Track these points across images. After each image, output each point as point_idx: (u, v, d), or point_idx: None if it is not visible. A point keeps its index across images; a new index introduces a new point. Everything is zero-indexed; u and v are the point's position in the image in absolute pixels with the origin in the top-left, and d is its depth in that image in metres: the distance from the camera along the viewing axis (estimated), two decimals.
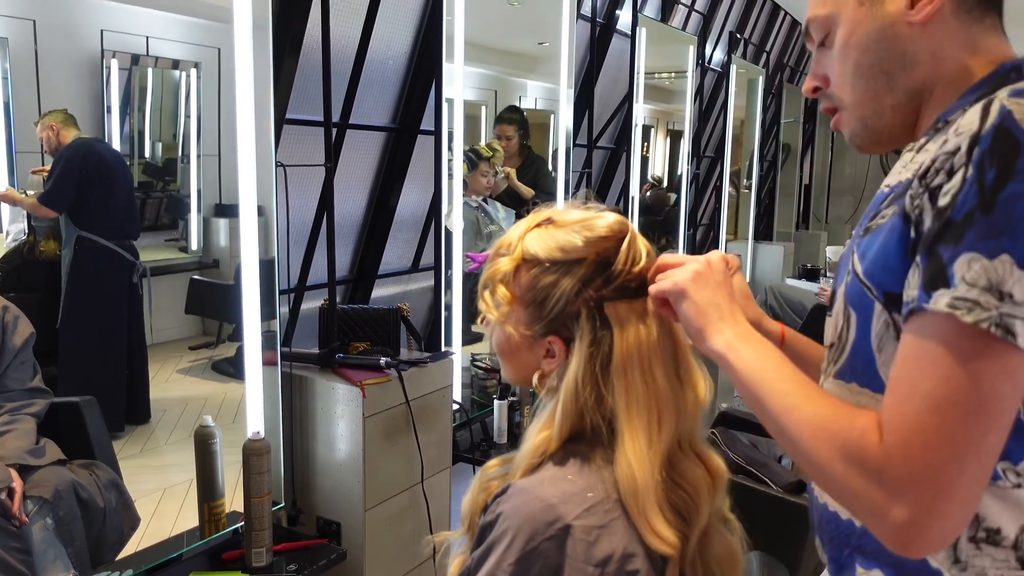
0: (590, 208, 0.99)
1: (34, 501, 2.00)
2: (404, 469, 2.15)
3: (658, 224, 5.53)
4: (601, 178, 4.16)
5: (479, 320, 1.02)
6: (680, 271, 0.90)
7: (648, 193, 6.66)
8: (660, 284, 0.90)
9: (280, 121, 2.27)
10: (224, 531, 1.95)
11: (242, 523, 1.92)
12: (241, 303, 1.94)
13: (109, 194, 3.49)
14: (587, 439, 0.95)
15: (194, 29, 4.21)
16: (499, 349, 1.02)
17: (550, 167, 3.96)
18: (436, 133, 2.38)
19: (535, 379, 0.99)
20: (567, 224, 0.96)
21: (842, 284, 0.83)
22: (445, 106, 2.41)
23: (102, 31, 4.34)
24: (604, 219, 0.96)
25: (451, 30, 2.46)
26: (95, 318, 3.46)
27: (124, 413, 3.61)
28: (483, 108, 5.56)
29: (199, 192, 4.85)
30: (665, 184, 6.22)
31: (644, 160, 7.23)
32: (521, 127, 3.80)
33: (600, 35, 3.56)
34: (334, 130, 2.45)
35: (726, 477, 0.99)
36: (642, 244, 0.97)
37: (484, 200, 3.75)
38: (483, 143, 3.88)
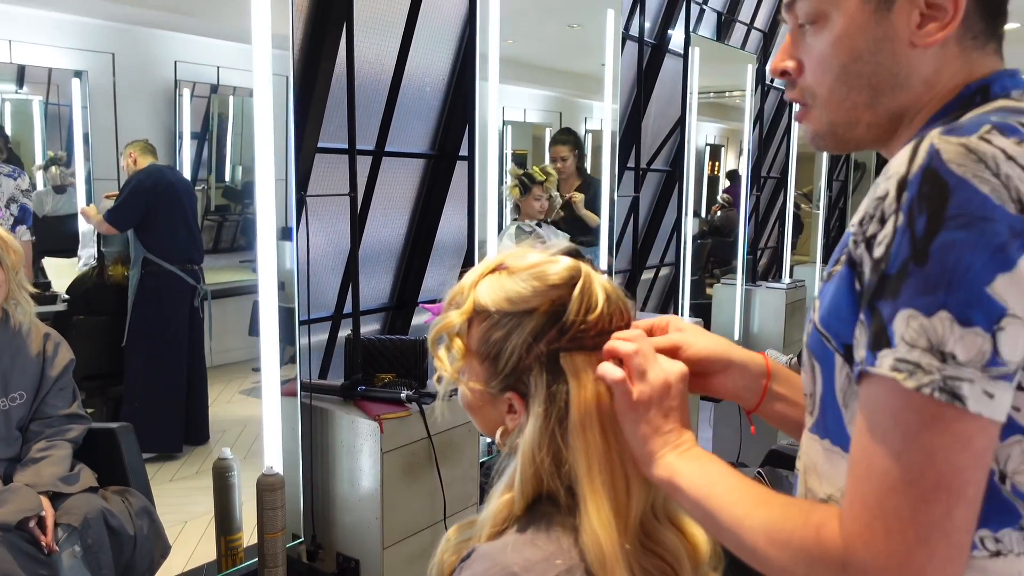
0: (549, 249, 0.91)
1: (64, 528, 2.03)
2: (426, 506, 2.09)
3: (728, 245, 5.37)
4: (656, 202, 4.04)
5: (434, 378, 0.95)
6: (645, 385, 0.81)
7: (719, 214, 6.48)
8: (618, 395, 0.82)
9: (312, 150, 2.27)
10: (240, 566, 1.94)
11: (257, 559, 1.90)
12: (259, 335, 1.92)
13: (174, 219, 3.59)
14: (554, 501, 0.88)
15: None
16: (463, 404, 0.96)
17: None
18: (470, 159, 2.34)
19: (498, 436, 0.92)
20: (518, 271, 0.89)
21: (805, 333, 0.76)
22: (480, 130, 2.37)
23: (176, 62, 4.54)
24: (557, 265, 0.88)
25: (485, 48, 2.42)
26: (158, 339, 3.59)
27: (183, 434, 3.71)
28: (547, 130, 5.55)
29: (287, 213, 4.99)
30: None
31: (714, 180, 7.08)
32: (575, 148, 3.74)
33: (651, 56, 3.46)
34: (369, 158, 2.44)
35: (709, 549, 0.89)
36: (599, 289, 0.88)
37: (538, 224, 3.70)
38: (536, 167, 3.84)
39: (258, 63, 1.90)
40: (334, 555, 2.10)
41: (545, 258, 0.89)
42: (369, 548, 2.03)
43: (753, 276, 4.70)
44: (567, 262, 0.88)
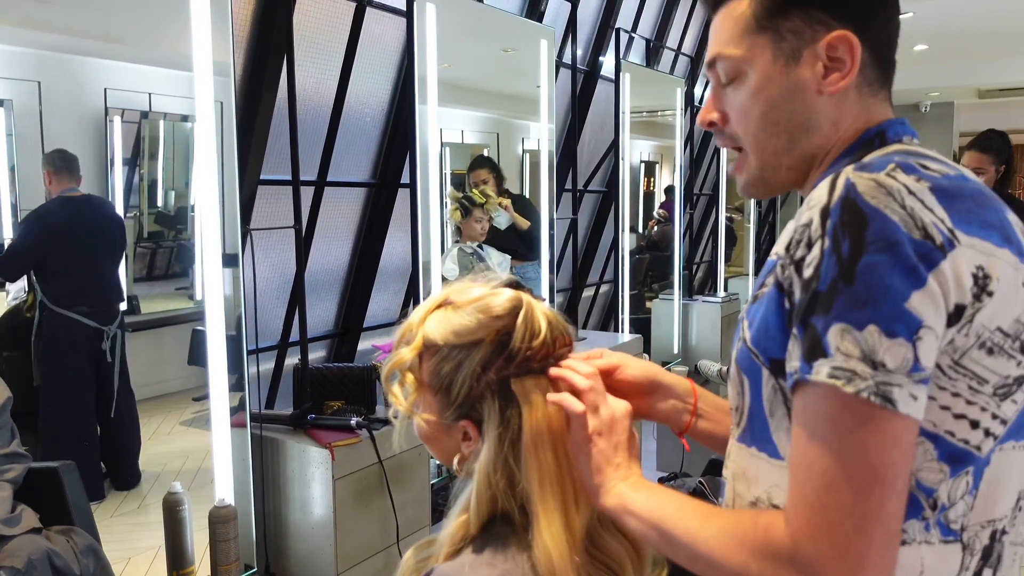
0: (491, 282, 0.97)
1: (7, 572, 1.98)
2: (379, 531, 2.11)
3: (666, 259, 5.50)
4: (594, 222, 4.13)
5: (389, 413, 0.98)
6: (597, 419, 0.88)
7: (655, 229, 6.63)
8: (576, 426, 0.88)
9: (255, 182, 2.28)
10: None
11: None
12: (203, 364, 1.92)
13: (73, 261, 3.28)
14: (508, 521, 0.92)
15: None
16: (419, 435, 1.00)
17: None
18: (411, 183, 2.37)
19: (455, 463, 0.96)
20: (463, 305, 0.93)
21: (735, 351, 0.83)
22: (421, 153, 2.41)
23: (105, 90, 4.45)
24: (500, 297, 0.93)
25: (424, 71, 2.45)
26: (60, 384, 3.29)
27: (102, 480, 3.46)
28: (485, 151, 5.61)
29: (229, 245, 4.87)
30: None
31: (650, 196, 7.24)
32: (493, 170, 3.87)
33: (584, 82, 3.56)
34: (312, 189, 2.45)
35: (652, 552, 0.95)
36: (540, 316, 0.94)
37: (479, 246, 3.76)
38: (475, 189, 3.91)
39: (200, 90, 1.91)
40: None
41: (488, 291, 0.93)
42: (323, 574, 2.03)
43: (690, 291, 4.82)
44: (509, 293, 0.93)
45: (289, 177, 2.25)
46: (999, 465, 0.72)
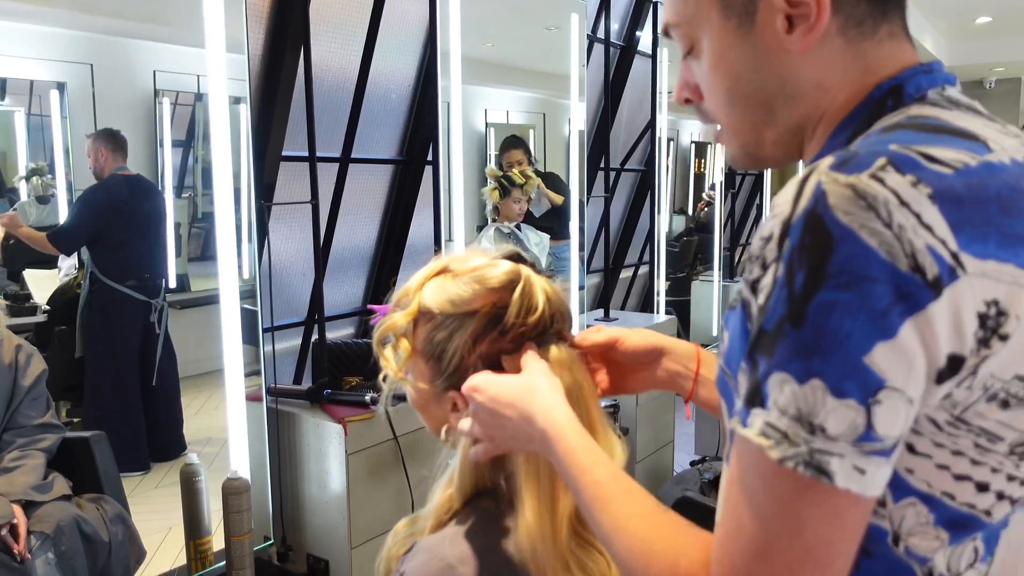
0: (489, 253, 0.94)
1: (37, 536, 2.05)
2: (393, 506, 2.12)
3: (713, 241, 5.40)
4: (633, 200, 4.06)
5: (380, 377, 0.97)
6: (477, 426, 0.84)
7: (704, 211, 6.50)
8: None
9: (277, 158, 2.30)
10: (209, 569, 1.96)
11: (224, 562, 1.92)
12: (222, 342, 1.95)
13: (128, 235, 3.46)
14: (493, 496, 0.91)
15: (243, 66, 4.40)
16: (411, 402, 0.98)
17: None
18: (434, 162, 2.36)
19: (443, 433, 0.95)
20: (462, 274, 0.91)
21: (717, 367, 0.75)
22: (444, 130, 2.39)
23: (155, 72, 4.56)
24: (498, 268, 0.90)
25: (447, 46, 2.41)
26: (107, 356, 3.41)
27: (147, 452, 3.59)
28: (531, 131, 5.57)
29: (250, 222, 4.97)
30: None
31: (700, 177, 7.09)
32: (526, 151, 3.86)
33: (620, 58, 3.48)
34: (336, 165, 2.46)
35: None
36: (539, 291, 0.90)
37: (517, 227, 3.73)
38: (516, 169, 3.88)
39: (212, 68, 1.93)
40: (304, 556, 2.12)
41: (487, 262, 0.91)
42: (338, 548, 2.05)
43: (731, 272, 4.71)
44: (507, 266, 0.90)
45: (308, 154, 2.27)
46: (1020, 525, 0.59)
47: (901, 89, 0.63)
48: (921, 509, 0.57)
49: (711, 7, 0.66)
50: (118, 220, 3.42)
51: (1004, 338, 0.52)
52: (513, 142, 3.96)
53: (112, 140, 3.63)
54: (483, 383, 0.83)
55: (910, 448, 0.55)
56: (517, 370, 0.86)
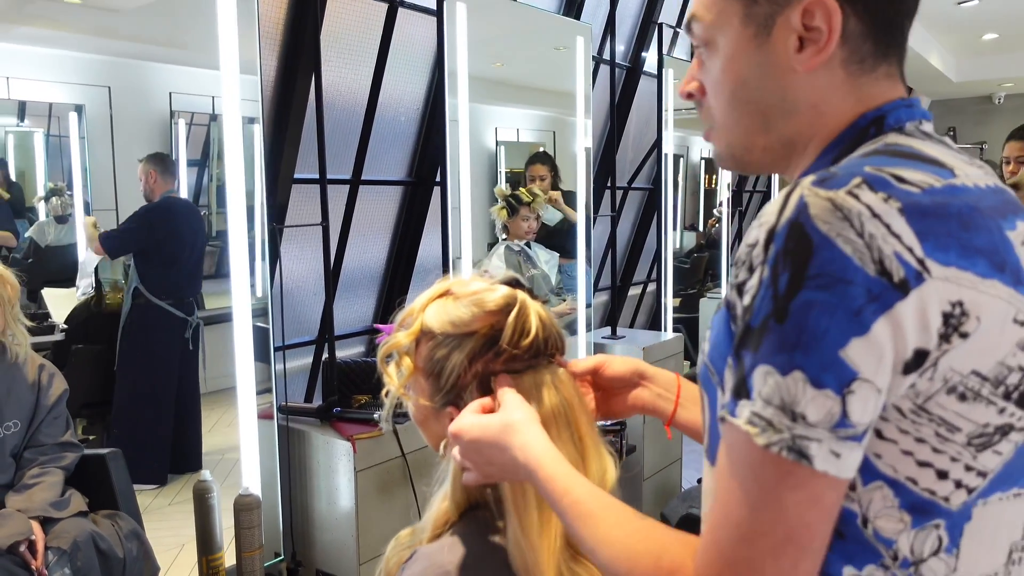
0: (490, 278, 0.99)
1: (54, 552, 2.10)
2: (402, 523, 2.12)
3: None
4: (641, 218, 4.09)
5: (382, 392, 1.02)
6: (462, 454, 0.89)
7: (715, 227, 6.52)
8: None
9: (289, 180, 2.35)
10: None
11: None
12: (234, 361, 1.99)
13: (174, 255, 3.59)
14: (487, 506, 0.95)
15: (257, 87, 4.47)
16: (413, 417, 1.03)
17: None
18: (441, 182, 2.40)
19: (442, 448, 0.99)
20: (462, 297, 0.97)
21: (698, 364, 0.79)
22: (451, 147, 2.43)
23: (170, 93, 4.65)
24: (495, 293, 0.95)
25: (454, 66, 2.46)
26: (145, 371, 3.53)
27: (167, 467, 3.66)
28: (542, 149, 5.62)
29: (263, 240, 5.03)
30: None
31: (710, 193, 7.11)
32: (552, 167, 3.85)
33: (627, 78, 3.53)
34: (346, 187, 2.51)
35: None
36: (534, 316, 0.95)
37: (527, 244, 3.77)
38: (523, 188, 3.92)
39: (226, 90, 1.98)
40: (314, 572, 2.16)
41: (486, 286, 0.97)
42: (347, 564, 2.08)
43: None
44: (504, 291, 0.95)
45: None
46: (983, 520, 0.64)
47: (883, 119, 0.69)
48: (887, 492, 0.62)
49: (734, 13, 0.72)
50: (172, 239, 3.54)
51: (964, 336, 0.58)
52: (539, 157, 3.97)
53: (161, 163, 3.75)
54: (464, 427, 0.87)
55: (878, 434, 0.61)
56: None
